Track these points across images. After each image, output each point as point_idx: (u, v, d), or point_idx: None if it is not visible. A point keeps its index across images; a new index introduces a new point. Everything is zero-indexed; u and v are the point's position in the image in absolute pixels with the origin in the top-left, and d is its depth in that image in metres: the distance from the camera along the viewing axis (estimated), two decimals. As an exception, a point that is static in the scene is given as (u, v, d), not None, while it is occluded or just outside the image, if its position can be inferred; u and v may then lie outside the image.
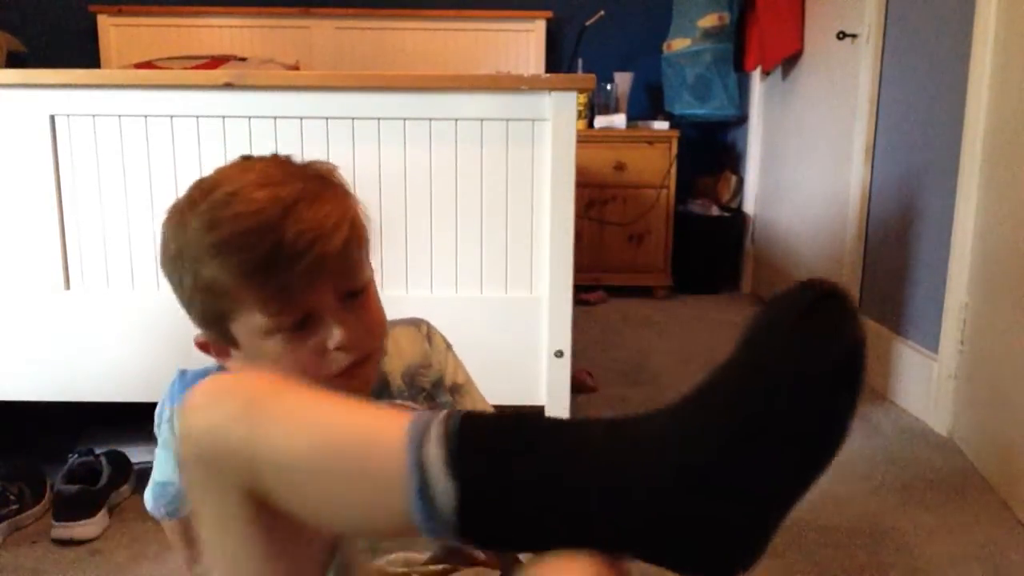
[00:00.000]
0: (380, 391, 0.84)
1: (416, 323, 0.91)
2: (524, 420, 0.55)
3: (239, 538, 0.59)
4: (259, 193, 0.70)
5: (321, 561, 0.64)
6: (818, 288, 0.52)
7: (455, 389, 0.89)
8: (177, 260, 0.72)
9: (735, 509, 0.51)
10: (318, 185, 0.73)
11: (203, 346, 0.80)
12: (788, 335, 0.51)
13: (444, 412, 0.55)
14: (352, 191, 0.77)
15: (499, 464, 0.52)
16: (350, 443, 0.55)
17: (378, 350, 0.79)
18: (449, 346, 0.92)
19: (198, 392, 0.60)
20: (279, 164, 0.75)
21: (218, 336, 0.76)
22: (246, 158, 0.77)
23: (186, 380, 0.85)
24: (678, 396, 0.53)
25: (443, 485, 0.51)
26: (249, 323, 0.72)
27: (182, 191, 0.75)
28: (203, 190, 0.73)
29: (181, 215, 0.73)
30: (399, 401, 0.84)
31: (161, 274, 0.77)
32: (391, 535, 0.56)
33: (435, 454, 0.51)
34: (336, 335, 0.72)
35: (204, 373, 0.84)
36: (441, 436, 0.52)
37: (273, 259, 0.68)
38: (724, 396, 0.52)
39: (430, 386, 0.87)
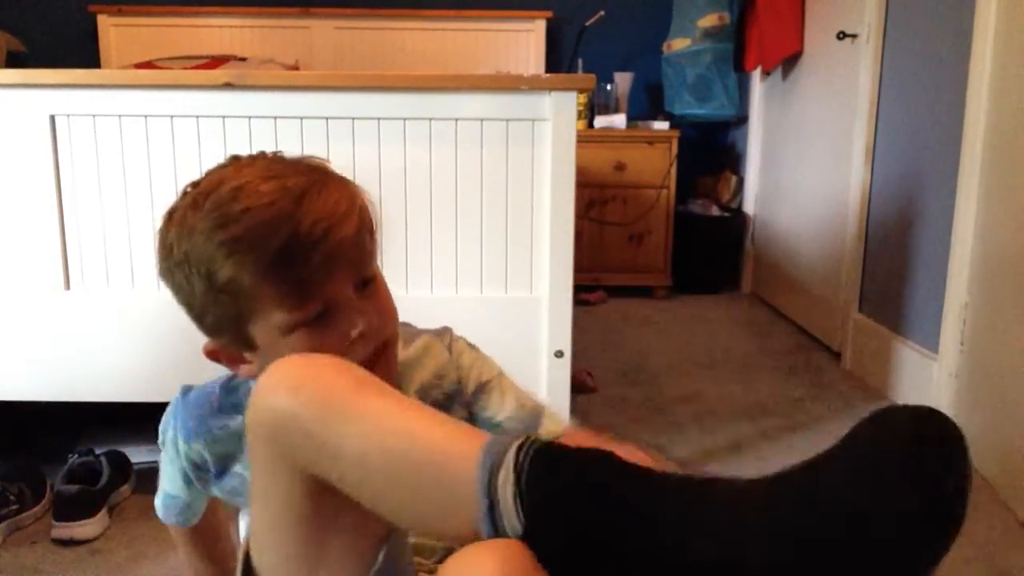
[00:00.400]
0: None
1: (440, 334, 0.90)
2: (602, 461, 0.54)
3: (297, 517, 0.59)
4: (266, 186, 0.68)
5: (379, 537, 0.63)
6: (938, 419, 0.51)
7: (480, 388, 0.88)
8: (184, 266, 0.70)
9: None
10: (321, 175, 0.72)
11: (213, 355, 0.77)
12: (906, 449, 0.50)
13: (520, 440, 0.54)
14: (350, 181, 0.76)
15: (569, 507, 0.51)
16: (424, 460, 0.55)
17: (395, 336, 0.78)
18: (471, 347, 0.91)
19: (280, 370, 0.60)
20: (275, 159, 0.74)
21: (233, 340, 0.74)
22: (236, 158, 0.75)
23: (188, 400, 0.84)
24: (765, 474, 0.55)
25: (511, 520, 0.51)
26: (269, 321, 0.70)
27: (182, 191, 0.74)
28: (203, 191, 0.71)
29: (184, 218, 0.70)
30: None
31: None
32: (456, 543, 0.56)
33: (506, 489, 0.51)
34: (359, 324, 0.71)
35: (208, 392, 0.83)
36: (512, 470, 0.52)
37: (291, 251, 0.67)
38: (831, 482, 0.52)
39: (443, 398, 0.86)
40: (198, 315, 0.74)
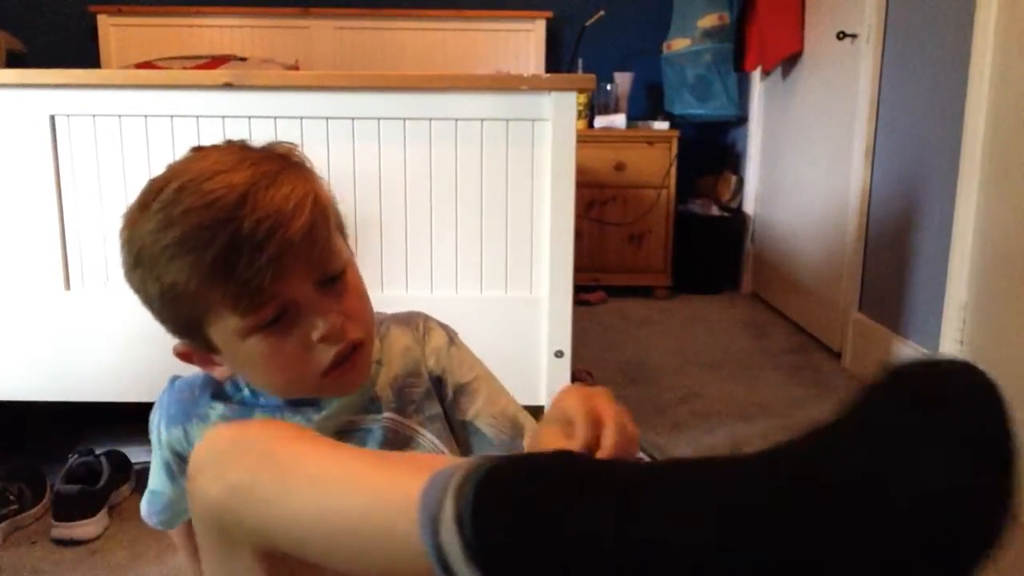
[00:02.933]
0: (368, 405, 0.79)
1: (411, 321, 0.84)
2: (554, 480, 0.46)
3: None
4: (210, 184, 0.65)
5: None
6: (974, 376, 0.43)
7: (460, 390, 0.83)
8: (137, 269, 0.68)
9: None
10: (275, 166, 0.68)
11: (185, 356, 0.76)
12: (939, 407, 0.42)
13: (458, 476, 0.48)
14: (314, 168, 0.72)
15: (521, 555, 0.44)
16: (362, 519, 0.51)
17: (369, 338, 0.73)
18: (452, 340, 0.85)
19: (202, 454, 0.58)
20: (233, 150, 0.69)
21: (197, 344, 0.72)
22: (198, 149, 0.71)
23: (174, 389, 0.83)
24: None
25: (465, 571, 0.45)
26: (223, 326, 0.68)
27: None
28: (153, 189, 0.68)
29: (134, 220, 0.68)
30: (388, 415, 0.80)
31: None
32: None
33: (452, 544, 0.46)
34: (319, 325, 0.67)
35: (192, 380, 0.82)
36: (454, 521, 0.46)
37: (234, 253, 0.63)
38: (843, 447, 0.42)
39: (420, 398, 0.82)
40: (158, 318, 0.71)
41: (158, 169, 1.47)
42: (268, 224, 0.64)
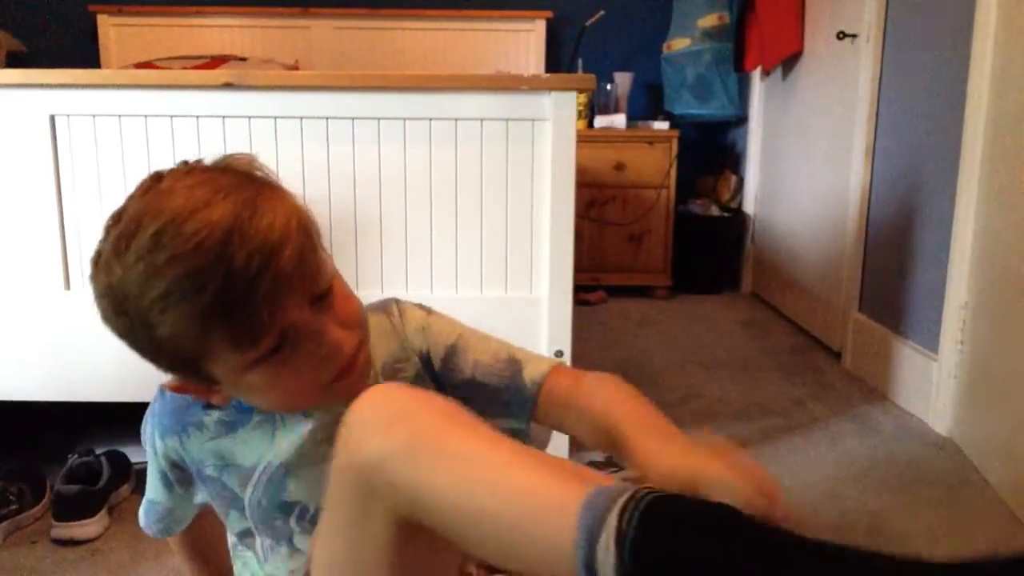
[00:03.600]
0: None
1: (385, 308, 0.84)
2: (718, 519, 0.48)
3: (390, 563, 0.57)
4: (189, 225, 0.61)
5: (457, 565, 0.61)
6: None
7: (450, 353, 0.82)
8: (121, 317, 0.65)
9: None
10: (249, 191, 0.65)
11: (180, 390, 0.74)
12: None
13: (625, 496, 0.49)
14: (279, 182, 0.70)
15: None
16: (518, 521, 0.52)
17: (365, 336, 0.73)
18: (428, 312, 0.85)
19: (366, 408, 0.58)
20: (199, 179, 0.65)
21: (193, 379, 0.71)
22: (157, 178, 0.67)
23: (165, 399, 0.81)
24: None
25: None
26: (225, 363, 0.66)
27: (105, 225, 0.68)
28: (125, 234, 0.63)
29: (108, 267, 0.64)
30: None
31: None
32: None
33: (606, 561, 0.47)
34: (322, 347, 0.67)
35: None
36: (615, 541, 0.47)
37: (229, 294, 0.61)
38: None
39: (411, 379, 0.81)
40: (150, 359, 0.69)
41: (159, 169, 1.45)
42: (259, 259, 0.62)
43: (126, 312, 0.64)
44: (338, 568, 0.61)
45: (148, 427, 0.83)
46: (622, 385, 0.79)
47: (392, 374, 0.80)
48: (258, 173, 0.69)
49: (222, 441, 0.79)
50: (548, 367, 0.81)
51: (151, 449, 0.83)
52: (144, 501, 0.88)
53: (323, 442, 0.75)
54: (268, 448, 0.77)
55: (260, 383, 0.68)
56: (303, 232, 0.67)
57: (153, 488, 0.86)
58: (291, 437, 0.77)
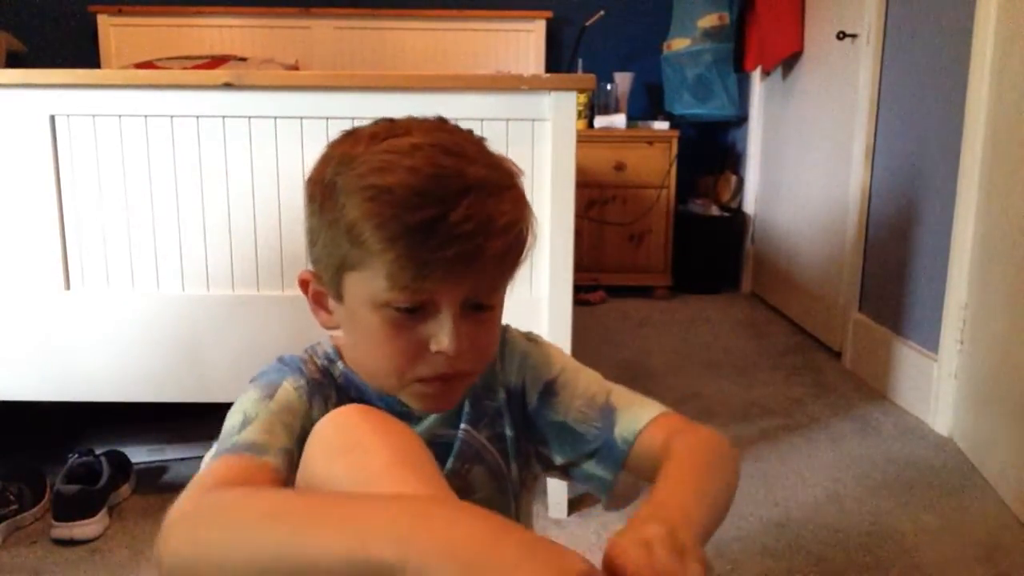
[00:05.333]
0: (454, 418, 0.77)
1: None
2: None
3: None
4: (445, 159, 0.63)
5: None
6: None
7: (548, 389, 0.79)
8: (329, 187, 0.65)
9: None
10: (505, 178, 0.67)
11: (304, 284, 0.73)
12: None
13: None
14: (528, 204, 0.70)
15: None
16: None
17: (474, 375, 0.72)
18: (531, 341, 0.82)
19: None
20: (474, 142, 0.69)
21: (327, 281, 0.69)
22: (442, 120, 0.71)
23: (285, 362, 0.74)
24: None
25: None
26: (367, 285, 0.65)
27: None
28: (390, 131, 0.67)
29: (355, 143, 0.67)
30: (464, 426, 0.77)
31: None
32: None
33: None
34: (443, 341, 0.65)
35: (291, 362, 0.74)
36: None
37: (429, 230, 0.61)
38: None
39: (492, 413, 0.79)
40: (310, 237, 0.69)
41: (158, 169, 1.47)
42: (473, 226, 0.62)
43: (335, 183, 0.65)
44: None
45: (278, 373, 0.73)
46: (711, 452, 0.71)
47: (478, 399, 0.79)
48: (517, 183, 0.69)
49: None
50: (645, 421, 0.76)
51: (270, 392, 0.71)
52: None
53: None
54: None
55: (375, 328, 0.67)
56: (517, 245, 0.68)
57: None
58: None
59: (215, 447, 0.67)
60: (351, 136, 0.68)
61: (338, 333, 0.75)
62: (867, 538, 1.43)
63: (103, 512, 1.44)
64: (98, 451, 1.55)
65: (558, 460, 0.80)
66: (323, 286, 0.71)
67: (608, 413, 0.77)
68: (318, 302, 0.73)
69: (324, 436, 0.60)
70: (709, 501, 0.64)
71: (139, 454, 1.66)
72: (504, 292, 0.71)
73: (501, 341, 0.81)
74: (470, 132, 0.70)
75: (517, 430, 0.80)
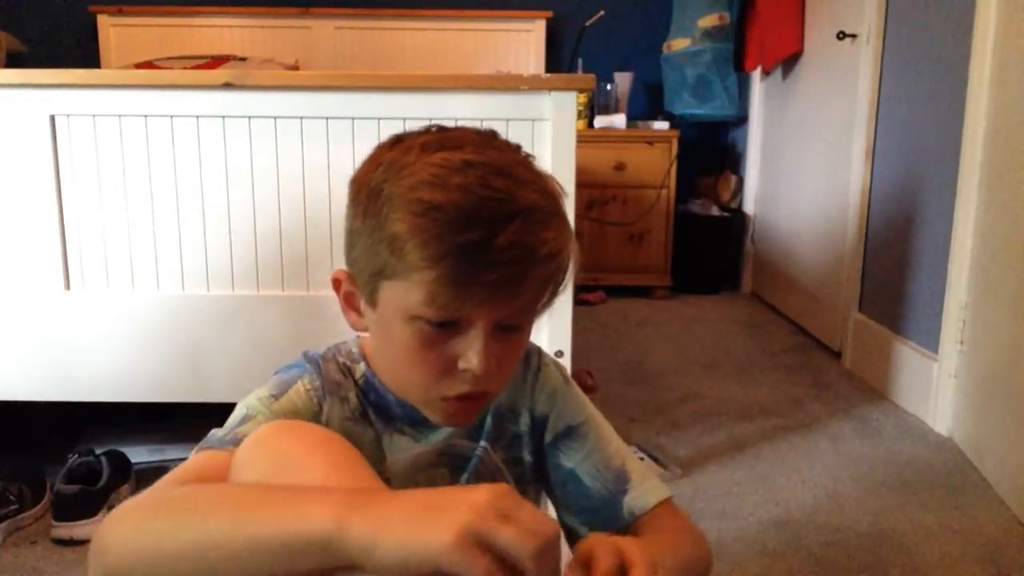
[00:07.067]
0: (473, 432, 0.78)
1: (525, 355, 0.80)
2: None
3: None
4: (497, 180, 0.62)
5: None
6: None
7: (568, 433, 0.79)
8: (375, 192, 0.65)
9: None
10: (552, 206, 0.66)
11: (336, 283, 0.72)
12: None
13: None
14: (571, 229, 0.70)
15: None
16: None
17: (495, 395, 0.72)
18: (566, 380, 0.82)
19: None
20: (523, 163, 0.67)
21: (362, 285, 0.69)
22: (494, 134, 0.69)
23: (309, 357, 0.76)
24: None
25: None
26: (403, 296, 0.64)
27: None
28: (443, 143, 0.65)
29: (406, 150, 0.65)
30: (484, 444, 0.77)
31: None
32: None
33: None
34: (472, 359, 0.65)
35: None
36: None
37: (474, 253, 0.61)
38: None
39: (511, 436, 0.79)
40: (350, 239, 0.69)
41: (158, 169, 1.46)
42: (517, 252, 0.62)
43: (381, 190, 0.64)
44: None
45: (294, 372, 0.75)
46: (691, 544, 0.73)
47: (501, 419, 0.79)
48: (561, 208, 0.69)
49: (353, 426, 0.74)
50: (655, 501, 0.76)
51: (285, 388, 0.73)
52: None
53: (421, 469, 0.75)
54: (378, 460, 0.74)
55: (404, 338, 0.66)
56: (558, 274, 0.67)
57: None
58: (396, 456, 0.75)
59: (205, 439, 0.68)
60: (401, 142, 0.67)
61: (366, 335, 0.75)
62: (867, 538, 1.43)
63: (103, 512, 1.44)
64: (98, 451, 1.55)
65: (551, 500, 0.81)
66: (356, 288, 0.71)
67: (622, 479, 0.77)
68: (349, 303, 0.73)
69: (252, 460, 0.60)
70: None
71: (139, 454, 1.66)
72: (533, 320, 0.71)
73: (535, 367, 0.81)
74: (519, 148, 0.69)
75: (535, 458, 0.80)
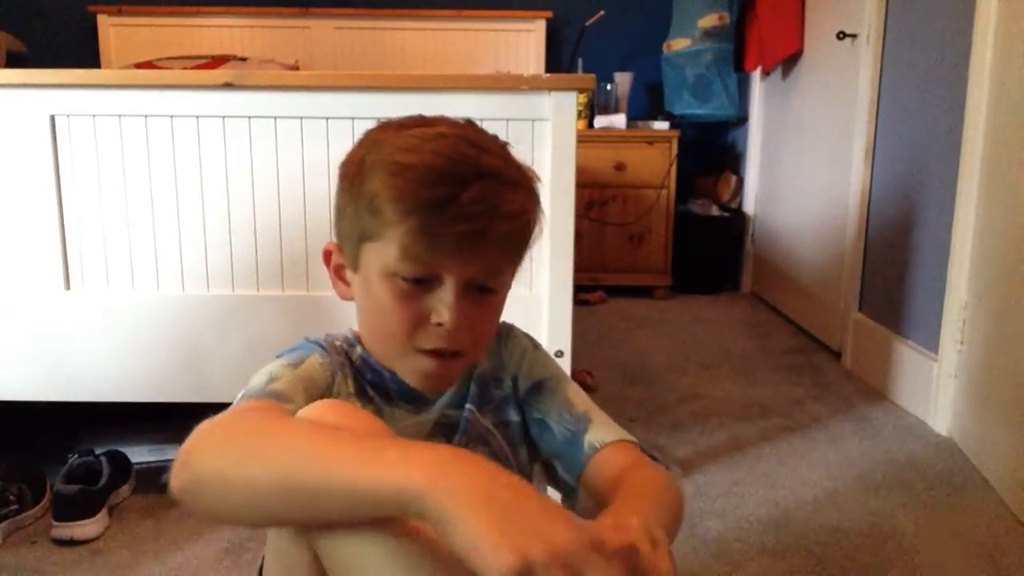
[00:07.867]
0: (461, 400, 0.83)
1: (499, 328, 0.88)
2: None
3: None
4: (468, 149, 0.70)
5: None
6: None
7: (536, 387, 0.86)
8: (358, 165, 0.73)
9: None
10: (518, 174, 0.73)
11: (327, 255, 0.80)
12: None
13: None
14: (542, 205, 0.77)
15: None
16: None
17: (469, 358, 0.78)
18: (535, 346, 0.90)
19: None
20: (497, 142, 0.75)
21: (348, 252, 0.76)
22: (470, 121, 0.77)
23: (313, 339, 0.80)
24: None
25: None
26: (380, 254, 0.71)
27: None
28: (422, 121, 0.74)
29: (386, 129, 0.74)
30: (469, 407, 0.83)
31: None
32: None
33: None
34: (444, 313, 0.71)
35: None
36: None
37: (442, 207, 0.68)
38: None
39: (499, 400, 0.85)
40: (337, 213, 0.77)
41: (158, 169, 1.47)
42: (483, 207, 0.68)
43: (364, 160, 0.72)
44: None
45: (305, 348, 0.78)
46: (666, 489, 0.75)
47: (485, 386, 0.85)
48: (535, 185, 0.76)
49: (356, 401, 0.79)
50: (613, 438, 0.81)
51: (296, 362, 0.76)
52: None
53: (420, 439, 0.77)
54: None
55: (383, 295, 0.73)
56: (523, 234, 0.74)
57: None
58: (395, 427, 0.77)
59: (240, 394, 0.71)
60: (385, 124, 0.76)
61: (357, 329, 0.82)
62: (867, 538, 1.43)
63: (103, 512, 1.44)
64: (98, 451, 1.55)
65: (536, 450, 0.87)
66: (343, 259, 0.78)
67: (582, 420, 0.83)
68: (338, 274, 0.80)
69: (320, 416, 0.64)
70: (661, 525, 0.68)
71: (139, 454, 1.66)
72: (507, 280, 0.77)
73: (506, 336, 0.88)
74: (495, 136, 0.76)
75: (522, 418, 0.86)
